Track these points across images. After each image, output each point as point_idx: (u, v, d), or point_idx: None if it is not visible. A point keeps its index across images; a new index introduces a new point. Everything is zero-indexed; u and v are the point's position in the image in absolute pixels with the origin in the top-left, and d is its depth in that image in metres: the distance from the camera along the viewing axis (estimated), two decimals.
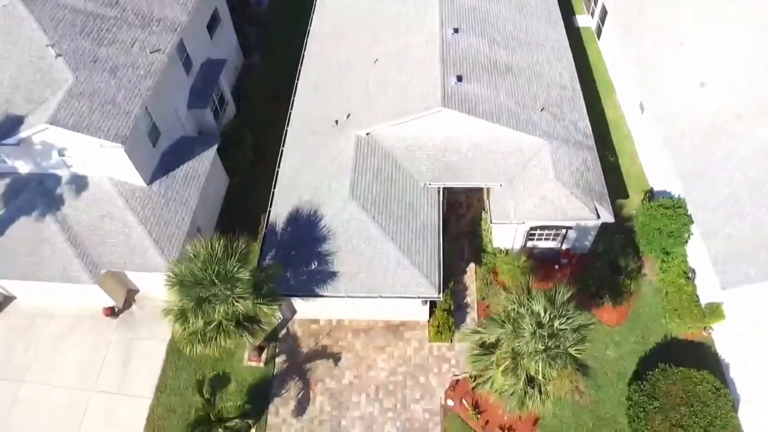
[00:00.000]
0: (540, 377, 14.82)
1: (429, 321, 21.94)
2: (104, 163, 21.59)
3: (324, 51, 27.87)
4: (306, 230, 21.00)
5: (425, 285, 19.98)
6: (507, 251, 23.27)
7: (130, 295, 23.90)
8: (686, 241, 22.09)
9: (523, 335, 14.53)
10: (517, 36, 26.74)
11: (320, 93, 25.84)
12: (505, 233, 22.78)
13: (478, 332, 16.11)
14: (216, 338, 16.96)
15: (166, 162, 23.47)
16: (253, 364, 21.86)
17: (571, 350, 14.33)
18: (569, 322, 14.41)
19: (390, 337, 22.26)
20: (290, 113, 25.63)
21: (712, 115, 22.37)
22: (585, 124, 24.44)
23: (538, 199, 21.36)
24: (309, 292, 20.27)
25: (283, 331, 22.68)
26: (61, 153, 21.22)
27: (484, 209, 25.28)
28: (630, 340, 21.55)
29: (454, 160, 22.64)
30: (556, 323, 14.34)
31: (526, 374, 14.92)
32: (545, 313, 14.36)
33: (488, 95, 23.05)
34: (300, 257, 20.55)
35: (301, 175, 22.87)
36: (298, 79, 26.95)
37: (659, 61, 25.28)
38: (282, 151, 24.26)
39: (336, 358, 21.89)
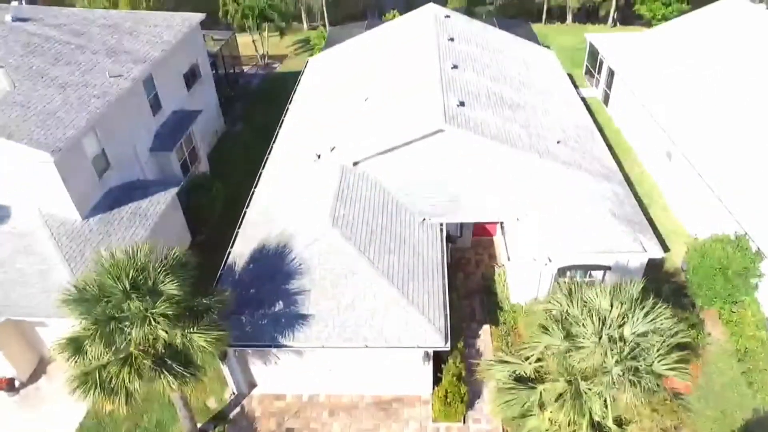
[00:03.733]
0: (609, 420, 9.34)
1: (433, 393, 16.21)
2: (32, 188, 17.59)
3: (311, 97, 25.45)
4: (271, 264, 16.31)
5: (427, 330, 14.84)
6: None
7: (42, 366, 18.31)
8: (757, 285, 17.35)
9: (581, 345, 9.40)
10: (523, 81, 24.44)
11: (304, 132, 22.75)
12: (525, 282, 18.00)
13: (506, 362, 10.84)
14: (120, 379, 11.53)
15: (112, 198, 19.46)
16: None
17: (661, 366, 9.10)
18: (651, 322, 9.38)
19: (380, 417, 16.36)
20: (268, 153, 22.27)
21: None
22: (608, 159, 21.03)
23: (568, 231, 17.06)
24: (269, 342, 15.01)
25: (236, 411, 16.79)
26: None
27: (496, 263, 20.75)
28: (706, 415, 15.73)
29: (458, 192, 18.71)
30: (633, 324, 9.30)
31: (590, 416, 9.46)
32: (614, 308, 9.37)
33: (496, 122, 19.85)
34: (261, 296, 15.63)
35: (273, 212, 18.74)
36: (282, 121, 24.08)
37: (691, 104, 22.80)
38: (253, 192, 20.44)
39: None
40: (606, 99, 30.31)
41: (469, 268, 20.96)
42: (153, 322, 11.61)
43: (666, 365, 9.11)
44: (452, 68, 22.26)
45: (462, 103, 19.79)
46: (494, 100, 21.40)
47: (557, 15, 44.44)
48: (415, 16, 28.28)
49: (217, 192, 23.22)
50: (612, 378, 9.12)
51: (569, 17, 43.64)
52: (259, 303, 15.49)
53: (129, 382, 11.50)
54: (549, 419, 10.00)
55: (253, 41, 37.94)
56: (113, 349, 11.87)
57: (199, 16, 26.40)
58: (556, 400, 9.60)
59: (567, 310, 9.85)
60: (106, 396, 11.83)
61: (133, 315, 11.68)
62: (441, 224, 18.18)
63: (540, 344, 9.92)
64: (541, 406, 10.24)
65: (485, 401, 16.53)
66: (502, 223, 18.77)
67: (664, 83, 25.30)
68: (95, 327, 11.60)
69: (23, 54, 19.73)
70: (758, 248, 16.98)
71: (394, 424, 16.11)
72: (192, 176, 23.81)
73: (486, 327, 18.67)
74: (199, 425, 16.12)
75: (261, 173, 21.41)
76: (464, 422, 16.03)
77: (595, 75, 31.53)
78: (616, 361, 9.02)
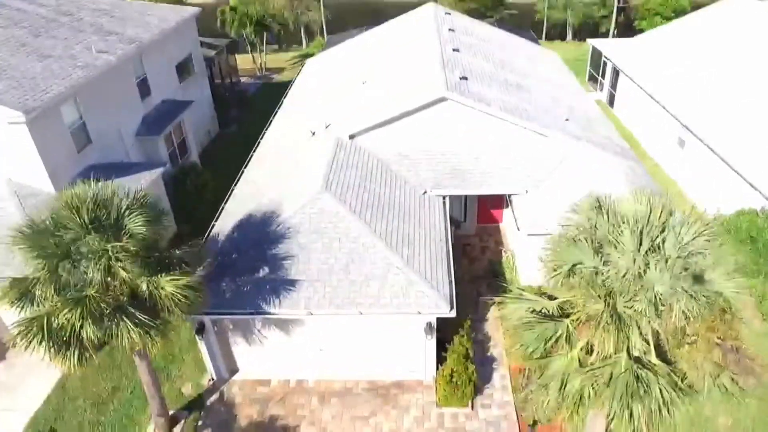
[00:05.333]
0: (652, 354, 7.64)
1: (437, 373, 14.31)
2: (3, 154, 16.32)
3: (308, 90, 24.54)
4: (257, 231, 14.79)
5: (430, 296, 13.19)
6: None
7: (2, 349, 16.48)
8: None
9: (615, 259, 7.83)
10: (527, 72, 23.53)
11: (299, 115, 21.65)
12: (536, 261, 16.37)
13: (525, 299, 9.21)
14: (72, 326, 9.84)
15: (90, 174, 18.05)
16: None
17: (718, 276, 7.49)
18: (694, 232, 7.85)
19: (377, 404, 14.44)
20: (260, 138, 21.11)
21: None
22: (620, 140, 19.82)
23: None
24: (250, 309, 13.31)
25: (215, 396, 14.88)
26: None
27: (503, 249, 19.20)
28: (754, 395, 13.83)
29: (462, 165, 17.42)
30: (676, 232, 7.76)
31: (628, 347, 7.77)
32: (653, 212, 7.83)
33: (501, 97, 18.76)
34: (243, 262, 14.04)
35: (263, 186, 17.38)
36: (276, 111, 23.05)
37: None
38: (242, 171, 19.16)
39: None
40: (611, 100, 29.49)
41: (474, 254, 19.36)
42: (113, 260, 10.05)
43: (723, 275, 7.52)
44: (453, 50, 21.40)
45: (464, 78, 18.77)
46: (498, 81, 20.40)
47: (557, 34, 44.41)
48: (414, 13, 27.80)
49: (205, 181, 21.87)
50: (656, 295, 7.52)
51: (569, 34, 43.57)
52: (241, 269, 13.90)
53: (81, 328, 9.78)
54: (578, 357, 8.31)
55: (252, 56, 37.62)
56: (67, 294, 10.24)
57: (195, 10, 25.87)
58: (589, 329, 7.96)
59: (596, 224, 8.32)
60: (56, 349, 10.14)
61: (90, 251, 10.12)
62: (444, 197, 16.78)
63: (566, 263, 8.34)
64: (570, 341, 8.59)
65: (496, 387, 14.68)
66: (510, 196, 17.30)
67: (671, 76, 24.53)
68: (44, 263, 10.03)
69: (5, 26, 18.89)
70: None
71: (393, 411, 14.18)
72: (181, 166, 22.54)
73: (494, 309, 16.95)
74: (171, 413, 14.19)
75: (252, 155, 20.19)
76: (472, 408, 14.11)
77: (599, 79, 30.86)
78: (661, 270, 7.43)
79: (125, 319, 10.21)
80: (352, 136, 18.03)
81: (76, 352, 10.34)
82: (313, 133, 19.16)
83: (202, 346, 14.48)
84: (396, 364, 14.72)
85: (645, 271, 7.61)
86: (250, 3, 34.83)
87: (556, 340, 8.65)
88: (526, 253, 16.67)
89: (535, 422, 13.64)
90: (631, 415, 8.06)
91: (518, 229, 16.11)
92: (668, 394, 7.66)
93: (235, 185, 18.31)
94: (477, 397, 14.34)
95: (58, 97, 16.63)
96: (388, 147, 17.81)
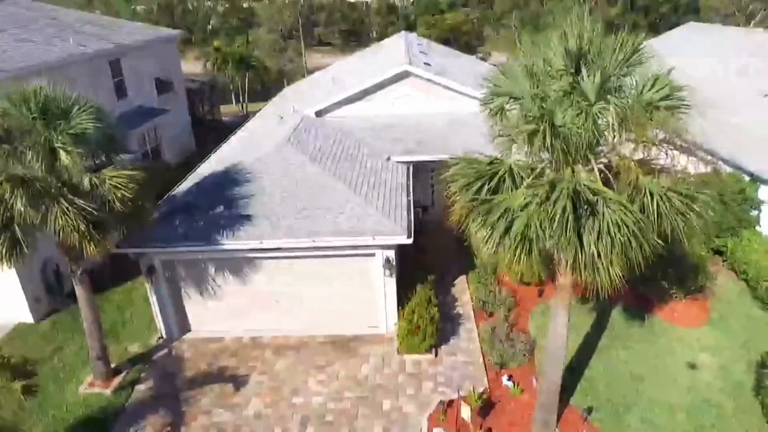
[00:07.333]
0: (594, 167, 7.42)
1: (399, 317, 13.52)
2: None
3: (281, 101, 25.17)
4: (217, 177, 14.64)
5: (386, 224, 12.84)
6: None
7: None
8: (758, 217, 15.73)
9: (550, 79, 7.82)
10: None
11: (274, 112, 22.06)
12: None
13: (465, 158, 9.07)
14: (5, 204, 9.41)
15: None
16: (95, 390, 12.62)
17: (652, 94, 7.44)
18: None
19: (335, 355, 13.54)
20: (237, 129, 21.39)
21: None
22: None
23: None
24: (202, 241, 12.80)
25: (163, 352, 13.89)
26: None
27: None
28: (730, 344, 13.19)
29: (427, 137, 17.62)
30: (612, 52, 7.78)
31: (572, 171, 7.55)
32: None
33: (467, 75, 19.39)
34: (199, 202, 13.72)
35: (228, 157, 17.32)
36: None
37: None
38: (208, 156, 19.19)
39: (239, 381, 12.81)
40: None
41: (441, 236, 18.97)
42: (57, 145, 9.81)
43: (658, 92, 7.45)
44: (420, 52, 22.36)
45: (428, 64, 19.50)
46: (461, 72, 21.16)
47: None
48: (387, 40, 29.30)
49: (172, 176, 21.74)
50: (589, 102, 7.44)
51: None
52: (196, 207, 13.55)
53: (12, 201, 9.34)
54: (523, 195, 8.03)
55: (233, 99, 38.95)
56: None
57: (174, 32, 27.11)
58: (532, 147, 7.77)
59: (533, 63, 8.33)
60: None
61: (36, 137, 9.89)
62: (408, 166, 16.77)
63: (499, 97, 8.33)
64: (514, 180, 8.38)
65: (462, 338, 13.92)
66: None
67: None
68: None
69: None
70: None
71: (352, 360, 13.28)
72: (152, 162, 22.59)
73: (463, 278, 16.44)
74: (113, 366, 13.18)
75: (220, 145, 20.28)
76: (436, 355, 13.26)
77: None
78: (594, 81, 7.38)
79: (62, 201, 9.80)
80: (318, 113, 18.36)
81: (8, 242, 9.84)
82: (282, 117, 19.45)
83: (152, 296, 13.75)
84: (355, 316, 14.02)
85: (578, 86, 7.57)
86: (237, 45, 36.61)
87: (500, 180, 8.41)
88: None
89: (502, 366, 12.82)
90: (581, 245, 7.67)
91: None
92: (615, 213, 7.34)
93: (205, 160, 18.25)
94: (443, 346, 13.55)
95: (28, 69, 16.90)
96: (355, 122, 18.10)
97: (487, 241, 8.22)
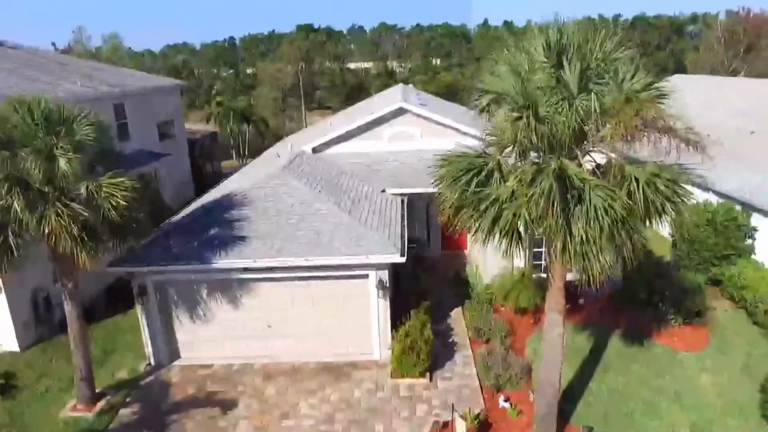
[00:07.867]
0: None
1: (393, 340, 13.16)
2: None
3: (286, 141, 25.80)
4: (214, 202, 14.81)
5: (379, 243, 12.85)
6: None
7: None
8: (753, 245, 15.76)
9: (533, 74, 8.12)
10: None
11: (272, 155, 22.54)
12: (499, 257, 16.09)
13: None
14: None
15: None
16: (78, 413, 12.15)
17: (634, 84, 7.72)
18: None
19: (327, 380, 13.14)
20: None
21: None
22: None
23: None
24: (195, 261, 12.74)
25: (150, 378, 13.48)
26: None
27: (467, 262, 18.92)
28: (730, 367, 12.85)
29: (422, 171, 17.85)
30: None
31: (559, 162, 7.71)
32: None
33: (462, 115, 19.91)
34: (195, 224, 13.78)
35: (228, 188, 17.57)
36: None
37: None
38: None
39: (227, 405, 12.36)
40: None
41: (438, 271, 18.88)
42: (57, 152, 10.03)
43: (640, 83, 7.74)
44: (416, 97, 23.14)
45: (423, 105, 20.14)
46: (460, 113, 21.77)
47: None
48: (385, 91, 30.35)
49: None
50: (571, 92, 7.71)
51: None
52: (190, 229, 13.60)
53: (11, 201, 9.44)
54: (513, 188, 8.14)
55: (233, 154, 39.85)
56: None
57: (177, 81, 28.17)
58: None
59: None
60: None
61: (36, 143, 10.13)
62: (402, 199, 16.93)
63: (486, 94, 8.60)
64: (502, 174, 8.51)
65: (457, 363, 13.58)
66: None
67: None
68: None
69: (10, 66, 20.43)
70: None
71: (344, 384, 12.89)
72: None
73: (458, 310, 16.20)
74: (98, 390, 12.77)
75: (221, 181, 20.63)
76: (431, 379, 12.88)
77: None
78: (574, 72, 7.67)
79: (57, 204, 9.89)
80: (315, 149, 18.77)
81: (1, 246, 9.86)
82: (279, 155, 19.84)
83: (142, 320, 13.53)
84: (349, 342, 13.74)
85: (561, 78, 7.87)
86: (238, 100, 37.91)
87: (489, 173, 8.52)
88: (489, 258, 16.38)
89: (499, 388, 12.44)
90: (570, 232, 7.70)
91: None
92: (601, 198, 7.42)
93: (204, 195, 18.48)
94: (437, 371, 13.19)
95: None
96: (351, 158, 18.45)
97: (476, 232, 8.23)
